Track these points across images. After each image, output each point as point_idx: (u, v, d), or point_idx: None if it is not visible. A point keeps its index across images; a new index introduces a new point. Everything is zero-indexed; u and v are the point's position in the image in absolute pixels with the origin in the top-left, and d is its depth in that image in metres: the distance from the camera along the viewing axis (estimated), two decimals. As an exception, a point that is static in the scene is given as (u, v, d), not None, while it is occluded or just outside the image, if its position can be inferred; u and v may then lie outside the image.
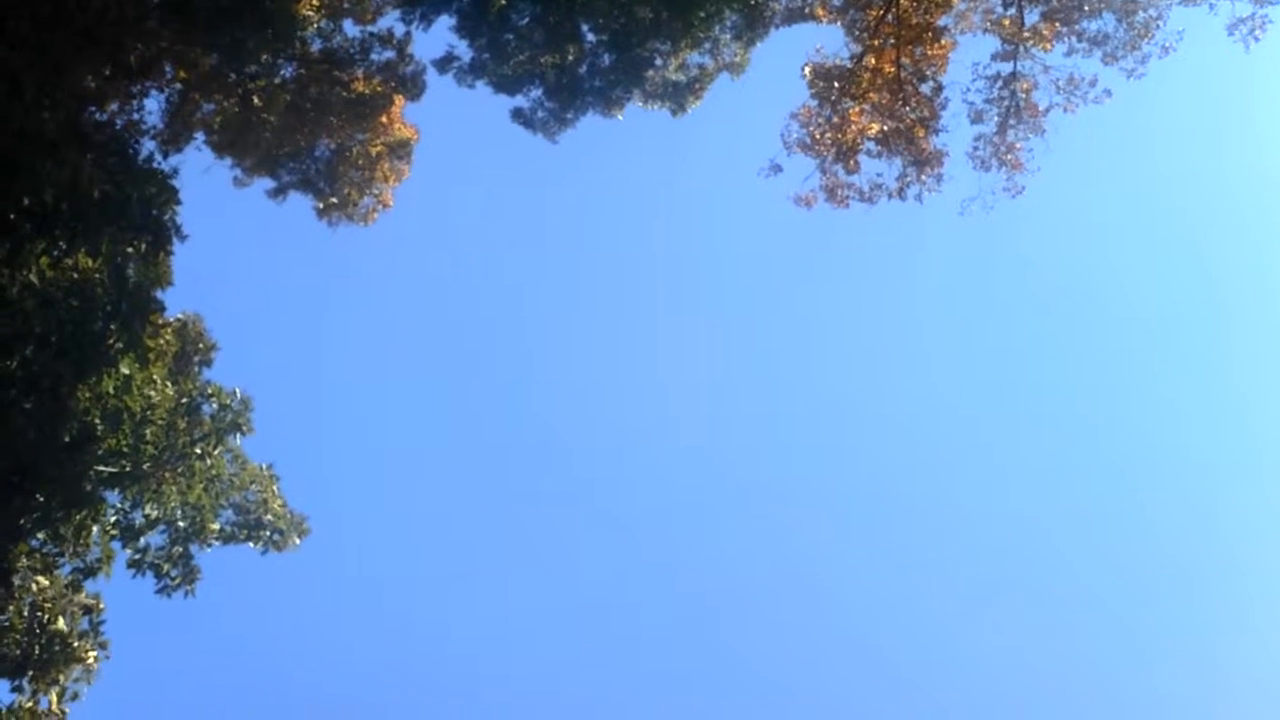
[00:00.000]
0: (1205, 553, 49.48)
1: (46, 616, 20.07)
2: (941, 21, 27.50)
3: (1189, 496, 49.97)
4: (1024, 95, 27.39)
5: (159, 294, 21.96)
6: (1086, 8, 26.73)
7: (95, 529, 20.70)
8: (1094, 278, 54.73)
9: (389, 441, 51.90)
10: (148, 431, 20.79)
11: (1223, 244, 53.82)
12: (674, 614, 47.60)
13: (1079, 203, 49.65)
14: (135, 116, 25.99)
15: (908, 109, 27.58)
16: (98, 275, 20.34)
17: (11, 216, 20.38)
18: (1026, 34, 27.19)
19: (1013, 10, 27.27)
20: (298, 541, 22.79)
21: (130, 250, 21.17)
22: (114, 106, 25.53)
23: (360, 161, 29.85)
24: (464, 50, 28.24)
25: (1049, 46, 27.16)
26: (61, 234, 20.39)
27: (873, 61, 27.59)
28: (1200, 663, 45.66)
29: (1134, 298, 54.16)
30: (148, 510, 21.30)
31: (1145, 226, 53.66)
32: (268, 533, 22.48)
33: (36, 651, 19.79)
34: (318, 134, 29.08)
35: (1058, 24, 26.99)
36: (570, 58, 28.18)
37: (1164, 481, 52.09)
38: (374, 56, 29.05)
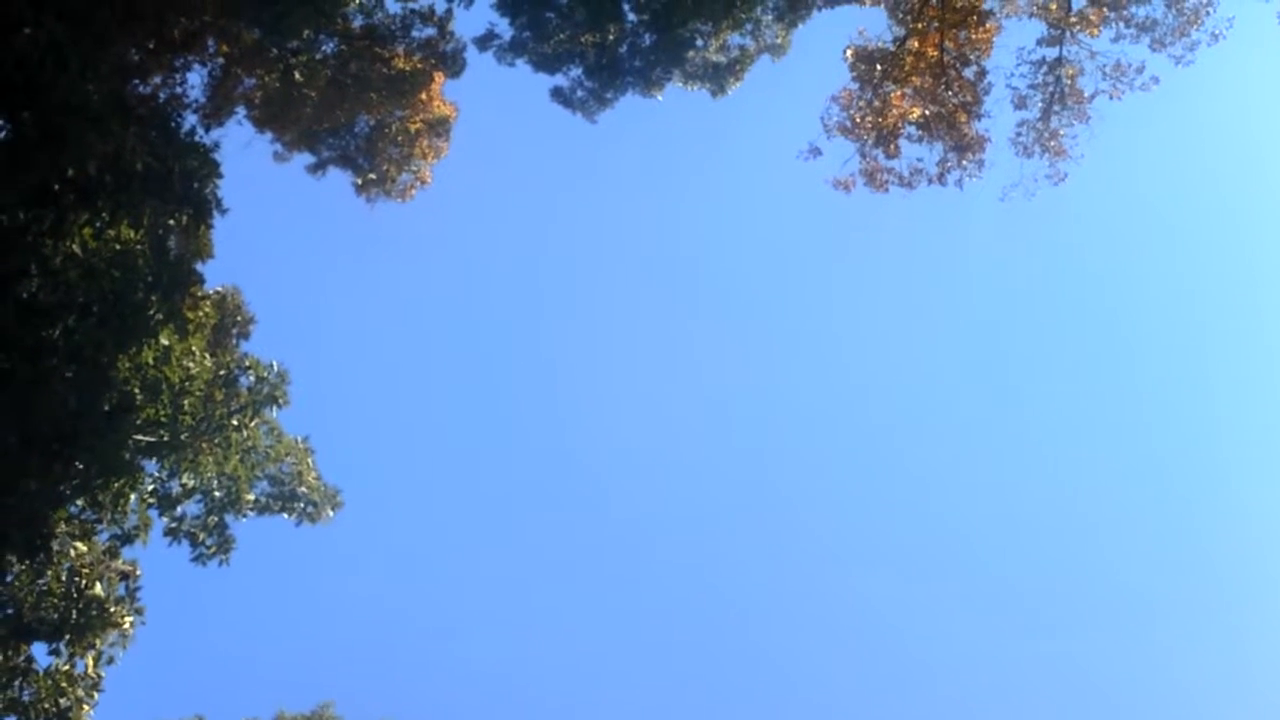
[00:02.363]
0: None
1: (84, 582, 20.41)
2: (986, 5, 27.11)
3: (1230, 493, 49.31)
4: (1069, 81, 26.96)
5: (199, 266, 22.21)
6: (1135, -8, 26.26)
7: (133, 497, 21.00)
8: (1138, 267, 54.03)
9: (423, 416, 52.30)
10: (186, 402, 21.04)
11: (1271, 236, 52.91)
12: (720, 617, 47.53)
13: (1124, 191, 49.03)
14: (178, 90, 26.19)
15: (950, 93, 27.25)
16: (139, 247, 20.58)
17: (56, 188, 20.62)
18: (1073, 19, 26.75)
19: (1060, -6, 26.85)
20: (331, 514, 23.03)
21: (171, 223, 21.38)
22: (157, 80, 25.73)
23: (399, 138, 29.91)
24: (504, 28, 28.26)
25: (1096, 32, 26.70)
26: (104, 206, 20.61)
27: (916, 45, 27.26)
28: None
29: (1178, 288, 53.51)
30: (184, 479, 21.60)
31: (1191, 216, 52.94)
32: (302, 504, 22.72)
33: (74, 616, 20.13)
34: (357, 110, 29.16)
35: (1105, 9, 26.52)
36: (611, 37, 28.08)
37: (1209, 473, 51.43)
38: (415, 33, 29.06)
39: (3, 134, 20.73)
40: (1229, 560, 47.96)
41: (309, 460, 22.92)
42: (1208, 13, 25.78)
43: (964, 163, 27.21)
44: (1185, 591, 48.16)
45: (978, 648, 46.77)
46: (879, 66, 27.46)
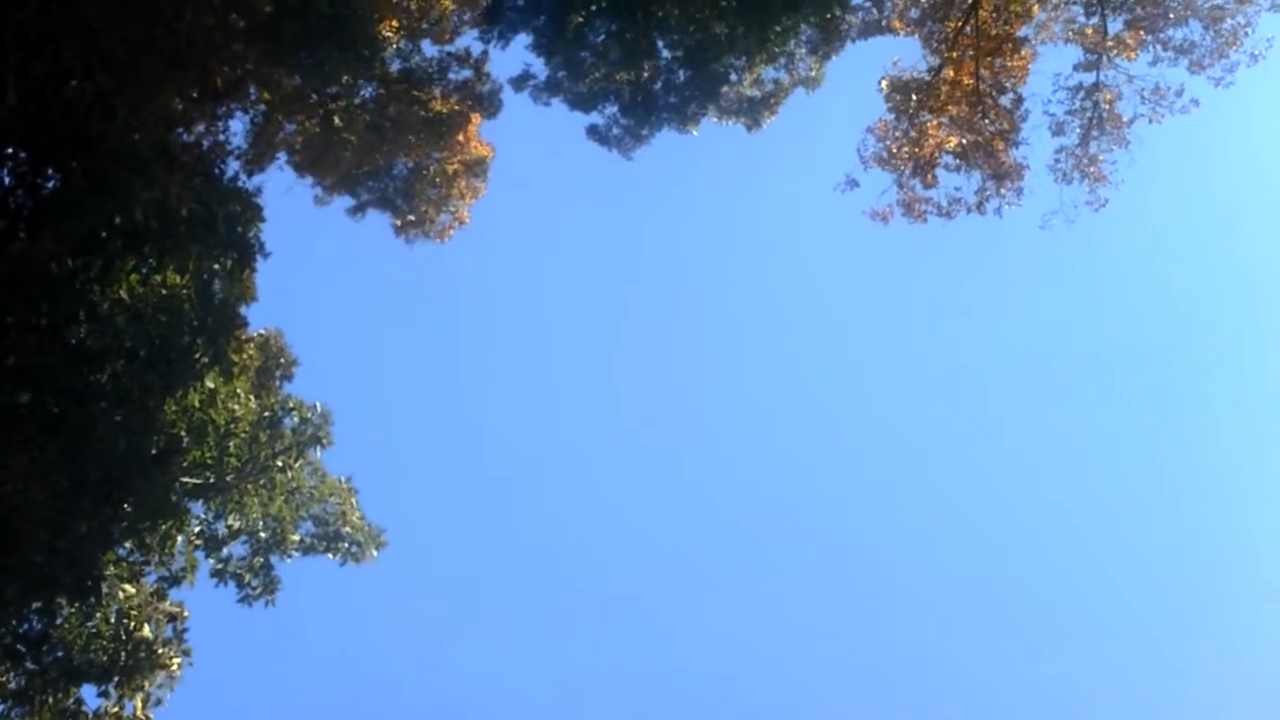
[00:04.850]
0: None
1: (132, 624, 20.55)
2: (1021, 32, 27.08)
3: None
4: (1107, 106, 26.82)
5: (243, 309, 22.45)
6: (1172, 15, 26.13)
7: (180, 539, 21.19)
8: (1179, 292, 53.29)
9: (465, 455, 52.40)
10: (231, 444, 21.24)
11: (1316, 257, 52.07)
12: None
13: (1165, 215, 48.48)
14: (220, 137, 26.61)
15: (987, 121, 27.16)
16: (185, 291, 20.86)
17: (103, 235, 21.00)
18: (1110, 43, 26.64)
19: (1095, 19, 26.77)
20: (375, 553, 23.10)
21: (216, 267, 21.67)
22: (200, 128, 26.17)
23: (437, 179, 30.25)
24: (540, 68, 28.54)
25: (1133, 56, 26.59)
26: (150, 251, 20.94)
27: (951, 74, 27.25)
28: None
29: (1220, 313, 52.69)
30: (230, 521, 21.77)
31: (1233, 239, 52.17)
32: (346, 544, 22.81)
33: (123, 658, 20.26)
34: (396, 153, 29.54)
35: (1142, 32, 26.41)
36: (645, 74, 28.27)
37: (1250, 500, 50.41)
38: (451, 76, 29.47)
39: (52, 183, 21.15)
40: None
41: (352, 500, 23.03)
42: (1246, 33, 25.66)
43: (1002, 191, 27.09)
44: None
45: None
46: (914, 96, 27.47)
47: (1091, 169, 26.84)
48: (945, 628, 46.27)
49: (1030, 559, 50.07)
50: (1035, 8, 27.09)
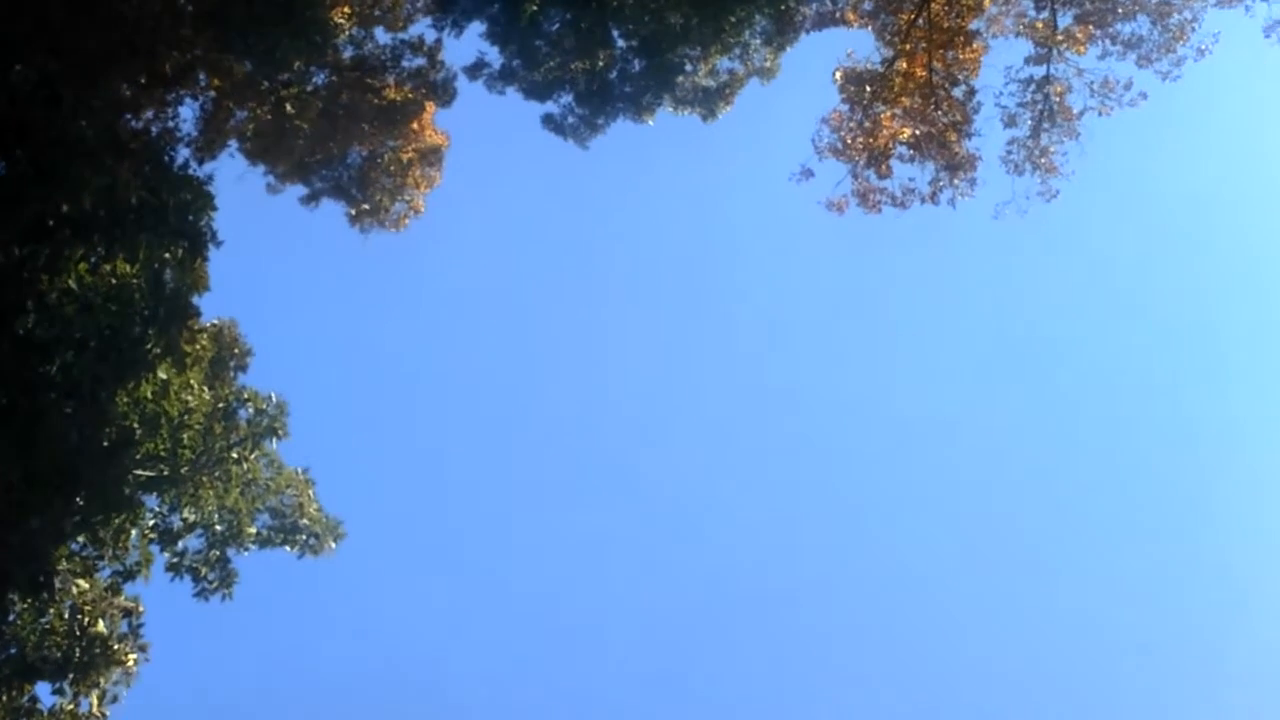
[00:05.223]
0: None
1: (87, 619, 20.22)
2: (973, 25, 27.39)
3: (1221, 506, 49.45)
4: (1057, 99, 27.23)
5: (195, 299, 22.14)
6: (1120, 10, 26.57)
7: (134, 532, 20.86)
8: (1129, 282, 54.25)
9: (421, 445, 52.07)
10: (185, 436, 20.95)
11: (1259, 249, 53.24)
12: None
13: (1115, 206, 49.30)
14: (170, 124, 26.19)
15: (940, 113, 27.47)
16: (135, 281, 20.52)
17: (51, 223, 20.60)
18: (1059, 37, 27.04)
19: (1045, 13, 27.14)
20: (333, 545, 22.89)
21: (167, 256, 21.33)
22: (149, 114, 25.74)
23: (392, 168, 29.99)
24: (495, 57, 28.39)
25: (1082, 49, 27.00)
26: (100, 240, 20.59)
27: (904, 65, 27.51)
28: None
29: (1168, 304, 53.74)
30: (185, 514, 21.47)
31: (1180, 231, 53.17)
32: (303, 536, 22.58)
33: (77, 654, 19.94)
34: (349, 141, 29.25)
35: (1091, 27, 26.83)
36: (601, 64, 28.24)
37: (1193, 487, 51.54)
38: (405, 63, 29.22)
39: (-3, 171, 20.73)
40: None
41: (310, 492, 22.80)
42: (1193, 29, 26.13)
43: (956, 181, 27.41)
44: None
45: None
46: (868, 88, 27.70)
47: (1043, 160, 27.24)
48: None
49: (993, 556, 50.72)
50: (986, 2, 27.43)
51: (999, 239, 61.56)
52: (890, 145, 27.75)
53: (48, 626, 20.04)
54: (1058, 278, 54.01)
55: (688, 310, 54.39)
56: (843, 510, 50.73)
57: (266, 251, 45.61)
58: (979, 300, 54.37)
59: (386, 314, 53.29)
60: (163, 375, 20.65)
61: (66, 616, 20.16)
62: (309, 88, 28.21)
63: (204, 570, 21.60)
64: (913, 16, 27.38)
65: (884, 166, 27.74)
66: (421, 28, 29.02)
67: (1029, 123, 27.23)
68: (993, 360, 53.81)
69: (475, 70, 28.82)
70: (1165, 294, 54.20)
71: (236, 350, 23.21)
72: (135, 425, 20.17)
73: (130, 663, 20.48)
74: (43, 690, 20.25)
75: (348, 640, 45.60)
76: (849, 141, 27.97)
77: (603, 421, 52.14)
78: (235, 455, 21.50)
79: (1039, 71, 27.37)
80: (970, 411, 52.54)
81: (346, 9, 28.05)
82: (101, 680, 20.20)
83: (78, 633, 19.98)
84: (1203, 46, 26.16)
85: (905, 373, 53.13)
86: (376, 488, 48.73)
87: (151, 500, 21.27)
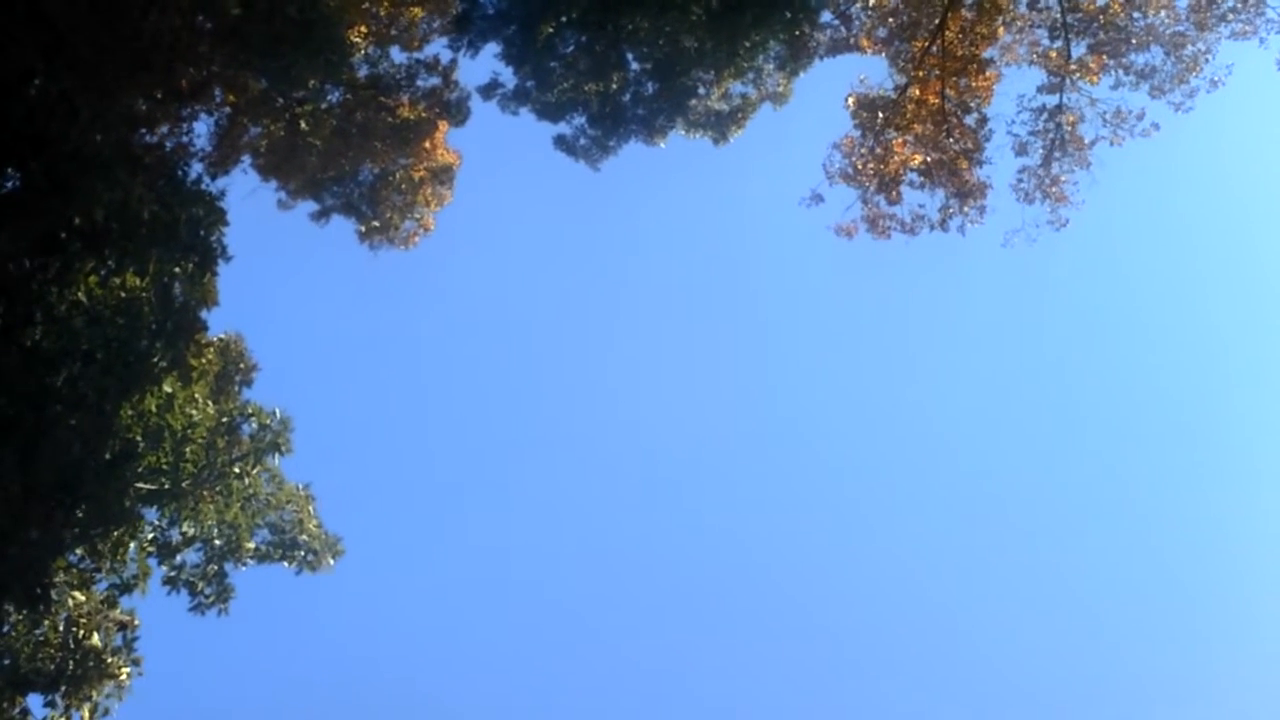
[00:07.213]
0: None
1: (81, 632, 20.21)
2: (987, 53, 27.35)
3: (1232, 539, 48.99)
4: (1069, 128, 27.13)
5: (203, 313, 22.23)
6: (1134, 40, 26.49)
7: (132, 546, 20.88)
8: (1139, 313, 54.01)
9: (426, 464, 52.12)
10: (188, 450, 20.98)
11: (1271, 281, 52.93)
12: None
13: (1125, 237, 49.13)
14: (184, 139, 26.38)
15: (951, 140, 27.40)
16: (144, 294, 20.63)
17: (63, 235, 20.72)
18: (1073, 66, 26.97)
19: (1059, 43, 27.08)
20: (332, 562, 22.86)
21: (177, 270, 21.45)
22: (164, 129, 25.93)
23: (403, 186, 30.11)
24: (509, 77, 28.44)
25: (1095, 79, 26.92)
26: (111, 253, 20.70)
27: (917, 92, 27.47)
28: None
29: (1180, 334, 53.45)
30: (185, 528, 21.48)
31: (1192, 262, 52.98)
32: (302, 553, 22.57)
33: (70, 667, 19.91)
34: (362, 158, 29.39)
35: (1104, 56, 26.76)
36: (614, 86, 28.28)
37: (1207, 520, 51.06)
38: (419, 83, 29.37)
39: (11, 183, 20.86)
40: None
41: (310, 508, 22.79)
42: (1206, 60, 26.02)
43: (966, 209, 27.32)
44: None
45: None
46: (880, 114, 27.66)
47: (1053, 189, 27.14)
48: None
49: (998, 568, 50.38)
50: (1001, 30, 27.39)
51: (1008, 266, 61.40)
52: (901, 171, 27.69)
53: (42, 638, 20.03)
54: (1067, 306, 53.89)
55: (696, 332, 54.38)
56: (844, 517, 50.64)
57: (276, 266, 45.96)
58: (987, 326, 54.24)
59: (393, 331, 53.54)
60: (168, 389, 20.72)
61: (61, 629, 20.14)
62: (323, 105, 28.37)
63: (201, 584, 21.57)
64: (927, 44, 27.37)
65: (894, 192, 27.69)
66: (437, 48, 29.24)
67: (1040, 151, 27.15)
68: (1001, 385, 53.62)
69: (489, 90, 28.90)
70: (1176, 324, 53.99)
71: (242, 365, 23.28)
72: (138, 438, 20.23)
73: (123, 676, 20.43)
74: (35, 702, 20.26)
75: (342, 657, 45.61)
76: (860, 167, 27.92)
77: (612, 443, 52.12)
78: (237, 470, 21.53)
79: (1051, 100, 27.31)
80: (978, 434, 52.38)
81: (364, 28, 28.26)
82: (94, 693, 20.14)
83: (72, 645, 19.95)
84: (1216, 78, 26.07)
85: (913, 396, 52.97)
86: (378, 504, 48.79)
87: (151, 513, 21.30)
